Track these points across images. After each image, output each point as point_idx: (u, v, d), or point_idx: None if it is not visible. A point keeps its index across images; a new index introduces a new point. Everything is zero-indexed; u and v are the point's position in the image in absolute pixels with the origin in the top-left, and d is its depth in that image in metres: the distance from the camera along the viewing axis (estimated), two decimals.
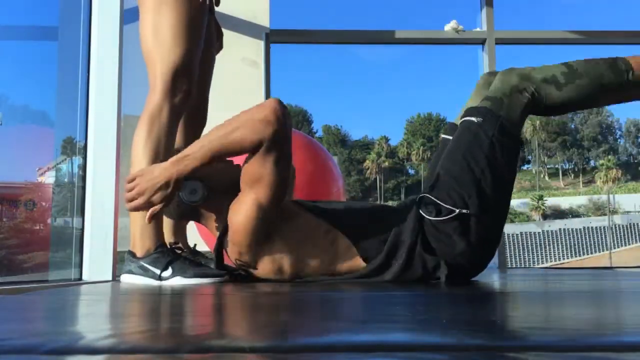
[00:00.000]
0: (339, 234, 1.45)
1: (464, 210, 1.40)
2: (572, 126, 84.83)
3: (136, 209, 1.39)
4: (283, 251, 1.43)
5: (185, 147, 1.42)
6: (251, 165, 1.36)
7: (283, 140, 1.35)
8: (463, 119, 1.52)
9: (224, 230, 1.45)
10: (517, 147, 1.51)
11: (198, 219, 1.57)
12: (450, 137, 1.60)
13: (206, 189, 1.44)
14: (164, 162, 1.40)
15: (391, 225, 1.46)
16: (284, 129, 1.34)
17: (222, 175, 1.47)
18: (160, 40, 1.57)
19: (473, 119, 1.49)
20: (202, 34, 1.65)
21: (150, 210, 1.38)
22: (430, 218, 1.42)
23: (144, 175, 1.38)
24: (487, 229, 1.45)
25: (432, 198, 1.43)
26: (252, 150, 1.34)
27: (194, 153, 1.36)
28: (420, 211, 1.44)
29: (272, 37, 3.22)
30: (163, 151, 1.53)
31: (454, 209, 1.40)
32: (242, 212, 1.38)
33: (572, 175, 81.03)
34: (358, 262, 1.45)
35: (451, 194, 1.42)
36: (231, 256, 1.48)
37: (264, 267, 1.44)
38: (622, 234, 41.67)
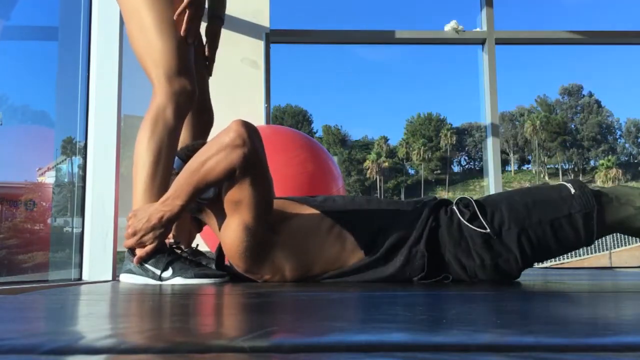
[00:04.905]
0: (343, 229, 1.45)
1: (494, 237, 1.40)
2: (572, 126, 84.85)
3: (130, 247, 1.44)
4: (287, 255, 1.43)
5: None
6: (229, 191, 1.36)
7: (254, 160, 1.33)
8: (562, 182, 1.51)
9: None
10: (582, 242, 1.46)
11: (200, 215, 1.58)
12: None
13: (218, 188, 1.45)
14: (155, 203, 1.42)
15: (397, 221, 1.45)
16: (253, 149, 1.31)
17: None
18: (148, 41, 1.56)
19: (572, 189, 1.46)
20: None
21: (142, 251, 1.44)
22: (460, 218, 1.42)
23: (137, 215, 1.42)
24: (505, 263, 1.43)
25: (474, 204, 1.44)
26: (226, 177, 1.33)
27: (175, 192, 1.37)
28: (455, 208, 1.44)
29: (272, 37, 3.22)
30: (166, 151, 1.53)
31: (487, 226, 1.41)
32: (231, 236, 1.39)
33: (572, 175, 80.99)
34: (361, 256, 1.45)
35: (495, 214, 1.42)
36: (229, 267, 1.49)
37: (268, 273, 1.44)
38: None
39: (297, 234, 1.45)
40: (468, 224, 1.42)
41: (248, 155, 1.31)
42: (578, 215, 1.43)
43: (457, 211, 1.44)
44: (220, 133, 1.35)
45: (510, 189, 1.52)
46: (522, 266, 1.47)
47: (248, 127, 1.33)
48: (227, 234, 1.40)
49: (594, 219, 1.43)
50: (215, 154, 1.32)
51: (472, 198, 1.48)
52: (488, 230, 1.40)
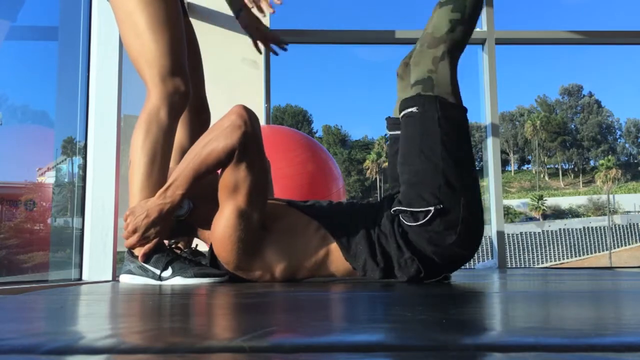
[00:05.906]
0: (327, 233, 1.45)
1: (439, 206, 1.39)
2: (572, 126, 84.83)
3: (132, 246, 1.44)
4: (276, 252, 1.43)
5: (192, 145, 1.45)
6: (226, 175, 1.36)
7: (253, 141, 1.35)
8: (403, 113, 1.50)
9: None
10: (463, 115, 1.48)
11: (193, 234, 1.58)
12: (397, 132, 1.57)
13: (190, 201, 1.45)
14: (152, 198, 1.41)
15: (375, 226, 1.45)
16: (253, 130, 1.34)
17: (205, 184, 1.44)
18: (142, 44, 1.56)
19: (413, 109, 1.46)
20: (181, 31, 1.63)
21: (145, 247, 1.43)
22: (413, 224, 1.40)
23: (134, 213, 1.42)
24: (467, 209, 1.41)
25: (404, 208, 1.41)
26: (227, 158, 1.34)
27: (175, 181, 1.37)
28: (402, 219, 1.42)
29: None
30: (161, 151, 1.53)
31: (429, 208, 1.39)
32: (224, 226, 1.38)
33: (572, 175, 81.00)
34: (346, 264, 1.45)
35: (422, 194, 1.40)
36: (224, 267, 1.48)
37: (258, 270, 1.44)
38: (622, 234, 41.63)
39: (285, 233, 1.45)
40: (418, 223, 1.40)
41: (248, 135, 1.33)
42: (442, 118, 1.42)
43: (403, 221, 1.42)
44: (221, 118, 1.37)
45: (401, 160, 1.48)
46: (478, 199, 1.45)
47: (248, 111, 1.36)
48: (219, 226, 1.39)
49: (446, 104, 1.44)
50: (217, 136, 1.34)
51: (394, 203, 1.45)
52: (433, 208, 1.39)
